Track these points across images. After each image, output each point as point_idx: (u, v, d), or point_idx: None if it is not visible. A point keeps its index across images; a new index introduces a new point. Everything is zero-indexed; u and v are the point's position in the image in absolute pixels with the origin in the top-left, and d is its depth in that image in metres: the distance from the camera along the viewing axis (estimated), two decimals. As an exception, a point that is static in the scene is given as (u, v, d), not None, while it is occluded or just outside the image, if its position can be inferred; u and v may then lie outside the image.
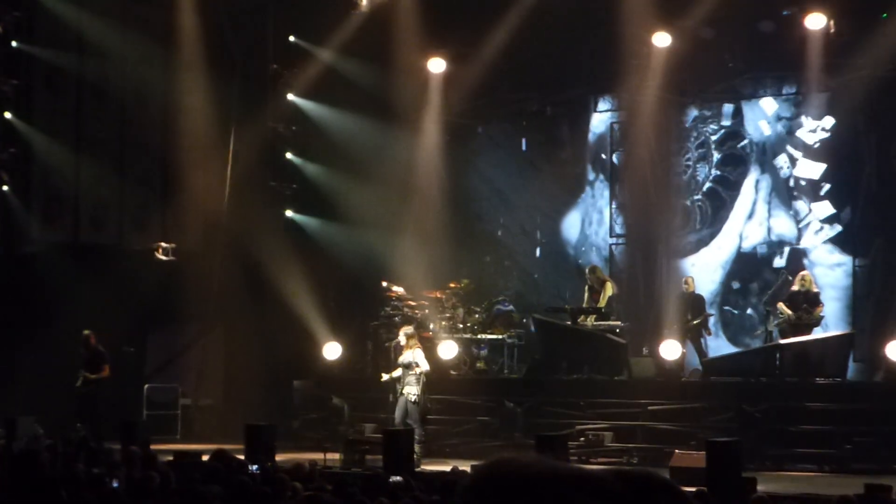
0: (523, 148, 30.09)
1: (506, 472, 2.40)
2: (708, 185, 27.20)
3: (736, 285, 27.03)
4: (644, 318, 26.48)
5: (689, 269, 27.00)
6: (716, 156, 27.19)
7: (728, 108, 27.33)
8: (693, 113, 27.68)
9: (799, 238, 26.57)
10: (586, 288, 25.39)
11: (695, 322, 24.66)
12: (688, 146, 27.50)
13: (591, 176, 29.24)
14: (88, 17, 26.93)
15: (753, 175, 26.85)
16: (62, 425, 22.69)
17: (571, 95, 29.02)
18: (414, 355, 21.31)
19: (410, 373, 21.22)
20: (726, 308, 27.13)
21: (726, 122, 27.18)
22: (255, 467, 15.57)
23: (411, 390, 21.19)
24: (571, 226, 29.12)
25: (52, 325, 25.63)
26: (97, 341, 24.24)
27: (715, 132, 27.21)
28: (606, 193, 28.85)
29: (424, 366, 21.24)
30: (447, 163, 29.58)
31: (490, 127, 30.21)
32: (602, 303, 24.93)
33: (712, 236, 27.14)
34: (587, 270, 25.76)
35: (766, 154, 26.80)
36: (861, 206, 26.27)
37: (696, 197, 27.32)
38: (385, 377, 22.22)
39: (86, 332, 24.22)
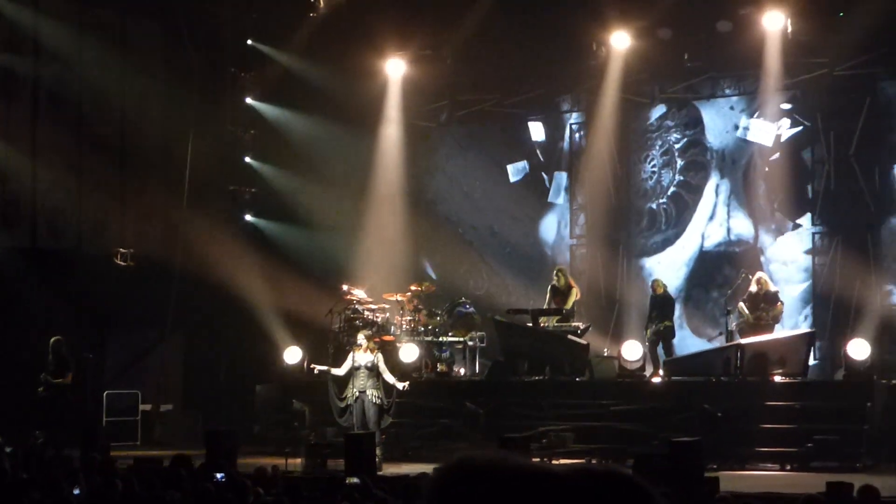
0: (488, 150, 30.12)
1: (470, 470, 2.36)
2: (672, 189, 28.02)
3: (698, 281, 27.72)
4: (605, 319, 26.53)
5: (655, 268, 27.47)
6: (679, 162, 27.88)
7: (690, 118, 27.69)
8: (657, 122, 27.95)
9: (756, 237, 27.01)
10: (549, 288, 25.39)
11: (659, 326, 24.49)
12: (653, 154, 27.89)
13: (565, 180, 29.39)
14: (44, 21, 26.77)
15: (714, 180, 27.69)
16: (20, 431, 22.51)
17: (530, 97, 29.06)
18: (376, 358, 21.27)
19: (372, 375, 21.17)
20: (689, 302, 27.70)
21: (689, 132, 27.63)
22: (220, 475, 15.40)
23: (374, 393, 21.14)
24: (549, 228, 29.36)
25: (10, 330, 25.44)
26: (62, 347, 24.08)
27: (678, 140, 28.05)
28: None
29: (389, 374, 21.23)
30: (409, 165, 29.61)
31: (454, 129, 30.22)
32: (568, 304, 24.97)
33: (677, 236, 27.88)
34: (555, 271, 25.72)
35: (724, 160, 27.62)
36: (820, 204, 26.49)
37: (661, 200, 28.15)
38: (316, 369, 22.15)
39: (57, 337, 24.07)
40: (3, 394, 24.65)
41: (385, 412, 21.44)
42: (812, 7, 25.10)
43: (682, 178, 27.92)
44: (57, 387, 23.77)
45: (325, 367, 22.04)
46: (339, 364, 22.07)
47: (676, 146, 27.98)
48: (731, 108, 27.62)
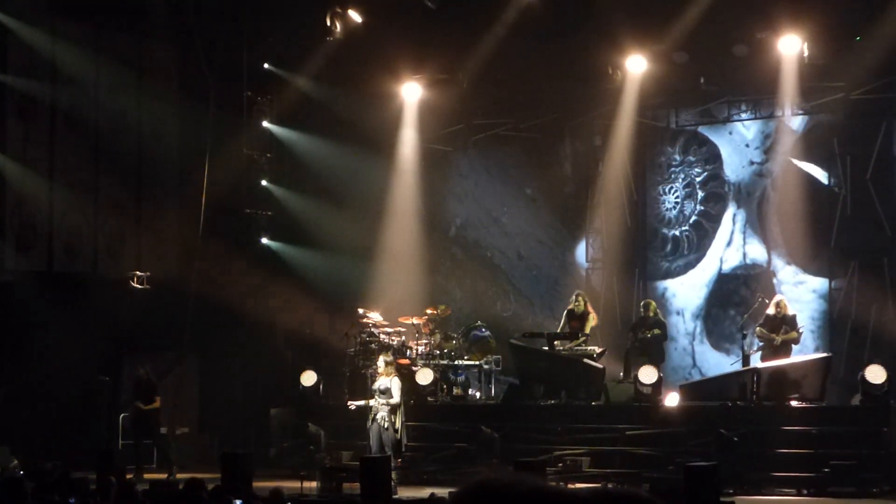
0: (514, 175, 30.17)
1: (490, 492, 2.35)
2: (694, 218, 29.16)
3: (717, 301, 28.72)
4: (621, 343, 26.49)
5: (678, 290, 28.79)
6: (700, 194, 28.96)
7: (710, 154, 28.68)
8: (680, 157, 28.45)
9: (769, 262, 27.34)
10: (566, 312, 25.39)
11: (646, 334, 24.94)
12: (676, 186, 29.00)
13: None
14: (62, 45, 26.83)
15: (731, 210, 28.70)
16: (36, 455, 22.50)
17: (546, 121, 29.05)
18: (390, 382, 21.19)
19: (385, 399, 21.09)
20: (709, 319, 28.64)
21: (708, 167, 28.78)
22: (238, 502, 15.28)
23: (385, 417, 21.05)
24: (584, 252, 29.60)
25: (26, 354, 25.45)
26: (150, 375, 25.18)
27: (699, 174, 29.02)
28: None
29: (396, 397, 21.09)
30: (426, 188, 29.64)
31: (480, 154, 30.24)
32: (587, 329, 24.98)
33: (698, 260, 28.94)
34: (575, 295, 25.73)
35: (741, 192, 28.50)
36: (836, 229, 26.47)
37: (683, 228, 29.16)
38: (352, 405, 22.13)
39: (144, 368, 25.24)
40: (19, 418, 24.66)
41: (395, 434, 21.26)
42: (829, 31, 25.02)
43: (702, 208, 28.98)
44: (147, 412, 24.82)
45: (361, 402, 21.93)
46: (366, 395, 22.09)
47: (697, 179, 28.98)
48: (747, 145, 28.07)
